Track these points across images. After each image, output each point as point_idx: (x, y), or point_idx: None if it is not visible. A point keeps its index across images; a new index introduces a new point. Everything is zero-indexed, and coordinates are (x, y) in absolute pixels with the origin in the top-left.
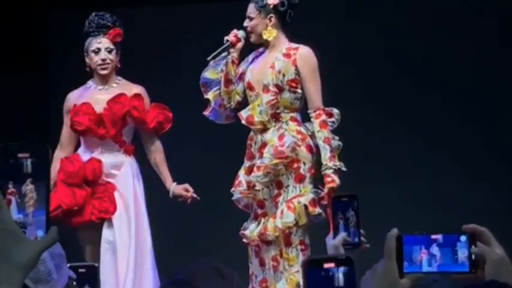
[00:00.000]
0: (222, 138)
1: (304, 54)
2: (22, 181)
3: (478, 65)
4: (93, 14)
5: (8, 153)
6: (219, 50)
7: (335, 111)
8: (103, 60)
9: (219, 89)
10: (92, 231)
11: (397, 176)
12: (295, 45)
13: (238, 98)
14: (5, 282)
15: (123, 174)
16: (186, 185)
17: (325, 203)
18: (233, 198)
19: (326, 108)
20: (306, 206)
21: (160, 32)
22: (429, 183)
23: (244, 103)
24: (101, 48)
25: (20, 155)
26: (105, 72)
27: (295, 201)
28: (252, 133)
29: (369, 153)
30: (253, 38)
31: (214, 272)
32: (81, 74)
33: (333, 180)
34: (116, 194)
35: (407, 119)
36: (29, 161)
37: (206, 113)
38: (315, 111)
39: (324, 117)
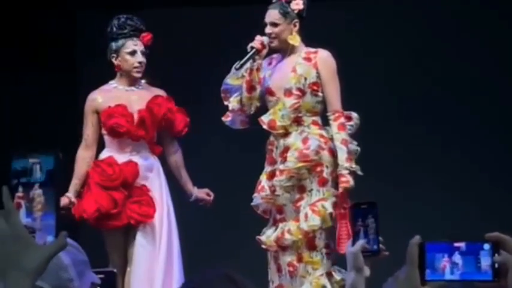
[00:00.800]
0: (240, 143)
1: (324, 57)
2: (31, 185)
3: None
4: (123, 16)
5: (19, 157)
6: (247, 57)
7: (354, 115)
8: (139, 63)
9: (240, 95)
10: (121, 236)
11: (418, 181)
12: (313, 49)
13: (257, 103)
14: (14, 287)
15: (155, 176)
16: (207, 190)
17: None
18: (253, 203)
19: (345, 112)
20: (330, 213)
21: (180, 35)
22: (450, 190)
23: (261, 108)
24: (137, 51)
25: (30, 160)
26: (139, 74)
27: (319, 204)
28: (272, 138)
29: (389, 158)
30: (275, 44)
31: (227, 279)
32: (107, 75)
33: (347, 180)
34: (151, 196)
35: (427, 124)
36: (38, 166)
37: (225, 119)
38: (333, 114)
39: (342, 119)
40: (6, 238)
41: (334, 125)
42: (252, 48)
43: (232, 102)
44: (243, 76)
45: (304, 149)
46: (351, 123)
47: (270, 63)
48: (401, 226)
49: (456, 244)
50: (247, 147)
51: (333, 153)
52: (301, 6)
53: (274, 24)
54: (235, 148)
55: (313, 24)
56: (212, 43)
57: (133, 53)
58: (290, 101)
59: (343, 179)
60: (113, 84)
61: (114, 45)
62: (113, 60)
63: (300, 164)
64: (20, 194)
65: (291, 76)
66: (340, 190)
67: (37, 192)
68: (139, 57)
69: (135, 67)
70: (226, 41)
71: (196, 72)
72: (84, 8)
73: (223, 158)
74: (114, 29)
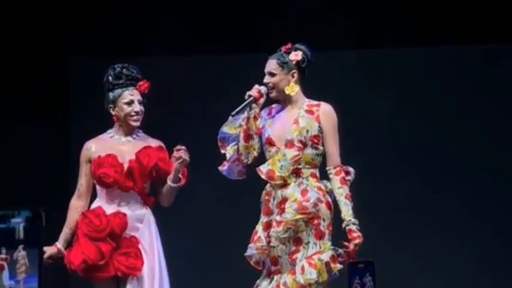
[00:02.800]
0: (234, 193)
1: (327, 111)
2: (14, 247)
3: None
4: (118, 65)
5: (2, 218)
6: (243, 105)
7: (351, 169)
8: (136, 112)
9: (236, 144)
10: (111, 287)
11: (415, 231)
12: (315, 101)
13: (255, 153)
14: None
15: (145, 227)
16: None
17: (342, 260)
18: (246, 254)
19: (343, 166)
20: (327, 263)
21: (174, 83)
22: (449, 239)
23: (258, 158)
24: (134, 100)
25: (13, 220)
26: (137, 124)
27: (316, 257)
28: (269, 188)
29: (388, 212)
30: (273, 94)
31: None
32: (101, 122)
33: (358, 236)
34: (140, 248)
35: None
36: (21, 226)
37: (222, 168)
38: (334, 168)
39: (343, 174)
40: None
41: (336, 180)
42: (250, 96)
43: (229, 151)
44: (240, 125)
45: (304, 200)
46: (349, 177)
47: (269, 113)
48: (400, 281)
49: None
50: (242, 196)
51: (330, 206)
52: (299, 57)
53: (272, 74)
54: (228, 197)
55: (312, 74)
56: (210, 90)
57: (130, 103)
58: (291, 153)
59: (354, 234)
60: (110, 133)
61: (111, 95)
62: (110, 110)
63: (299, 216)
64: (3, 255)
65: (294, 128)
66: (352, 247)
67: (21, 254)
68: (137, 107)
69: (131, 116)
70: (224, 89)
71: (192, 119)
72: (76, 56)
73: (216, 207)
74: (110, 79)
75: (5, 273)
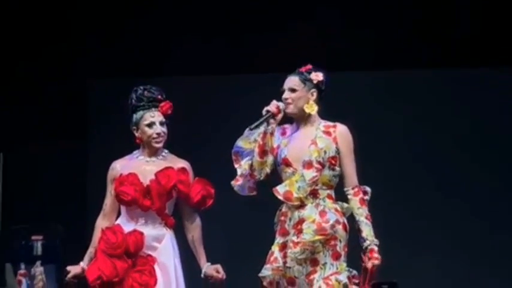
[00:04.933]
0: (246, 211)
1: (344, 132)
2: (33, 263)
3: None
4: (140, 87)
5: (22, 235)
6: (261, 120)
7: (368, 189)
8: (158, 134)
9: (250, 159)
10: None
11: (435, 248)
12: (331, 122)
13: (267, 170)
14: None
15: (164, 247)
16: (218, 266)
17: (356, 281)
18: (260, 274)
19: (361, 186)
20: (345, 285)
21: (193, 102)
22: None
23: (270, 175)
24: (155, 122)
25: (33, 237)
26: (159, 145)
27: (333, 278)
28: (284, 208)
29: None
30: (290, 110)
31: None
32: (119, 143)
33: (378, 257)
34: (156, 267)
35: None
36: (39, 243)
37: (235, 183)
38: (353, 189)
39: (361, 194)
40: None
41: (355, 200)
42: (268, 111)
43: (244, 166)
44: (255, 140)
45: (323, 222)
46: (367, 197)
47: (283, 133)
48: None
49: None
50: (254, 214)
51: (346, 228)
52: (320, 78)
53: (293, 90)
54: (240, 214)
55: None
56: (225, 110)
57: (151, 124)
58: (310, 174)
59: (374, 255)
60: (135, 154)
61: (134, 117)
62: (134, 132)
63: (317, 237)
64: (22, 271)
65: (312, 149)
66: (370, 265)
67: (38, 269)
68: (158, 129)
69: (153, 138)
70: (239, 108)
71: (208, 137)
72: (94, 77)
73: (230, 224)
74: (133, 102)
75: None
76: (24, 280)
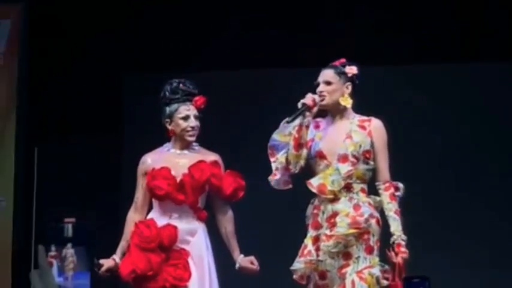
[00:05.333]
0: (280, 206)
1: (379, 126)
2: (64, 244)
3: None
4: (175, 80)
5: (53, 217)
6: (297, 113)
7: (400, 185)
8: (192, 127)
9: (286, 152)
10: None
11: (465, 247)
12: (365, 117)
13: (302, 163)
14: None
15: (197, 241)
16: (252, 258)
17: (387, 276)
18: (293, 267)
19: (393, 182)
20: (378, 278)
21: (228, 97)
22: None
23: (304, 169)
24: (190, 115)
25: (65, 219)
26: (192, 139)
27: (366, 272)
28: (317, 202)
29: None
30: (326, 102)
31: None
32: (154, 137)
33: (406, 251)
34: (189, 260)
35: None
36: (70, 226)
37: (273, 177)
38: (384, 184)
39: (392, 189)
40: None
41: (385, 195)
42: (304, 104)
43: (280, 159)
44: (290, 134)
45: (358, 215)
46: (398, 193)
47: (317, 126)
48: None
49: None
50: (287, 209)
51: (379, 222)
52: (355, 71)
53: (328, 83)
54: (275, 209)
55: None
56: (257, 104)
57: (186, 118)
58: (345, 168)
59: (402, 249)
60: (166, 147)
61: (167, 110)
62: (167, 125)
63: (351, 231)
64: (52, 253)
65: (348, 143)
66: (399, 260)
67: (69, 251)
68: (192, 122)
69: (187, 131)
70: (272, 103)
71: (244, 132)
72: (130, 71)
73: (264, 219)
74: (167, 94)
75: (54, 269)
76: (55, 262)
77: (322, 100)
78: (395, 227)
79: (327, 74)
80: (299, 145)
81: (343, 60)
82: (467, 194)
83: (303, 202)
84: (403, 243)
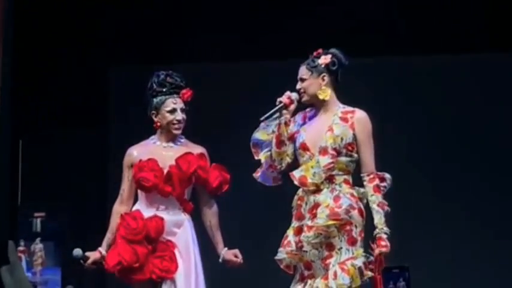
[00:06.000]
0: (266, 198)
1: (362, 118)
2: (33, 239)
3: None
4: (163, 73)
5: (24, 211)
6: (272, 111)
7: (387, 176)
8: (178, 120)
9: (269, 150)
10: None
11: (454, 236)
12: (350, 108)
13: (288, 159)
14: None
15: (183, 232)
16: (236, 251)
17: (372, 267)
18: (276, 257)
19: (379, 173)
20: (360, 269)
21: (210, 90)
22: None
23: (292, 164)
24: (176, 109)
25: (35, 214)
26: (178, 132)
27: (349, 263)
28: (301, 193)
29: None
30: (305, 98)
31: None
32: (140, 130)
33: (386, 245)
34: (176, 252)
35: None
36: (38, 220)
37: (256, 174)
38: (368, 175)
39: (377, 181)
40: None
41: (369, 187)
42: (280, 102)
43: (262, 157)
44: (273, 132)
45: (336, 207)
46: (384, 184)
47: (303, 118)
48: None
49: None
50: (275, 201)
51: (362, 213)
52: (328, 60)
53: (302, 80)
54: (261, 201)
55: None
56: (248, 96)
57: (172, 111)
58: (325, 160)
59: (382, 242)
60: (152, 139)
61: (154, 102)
62: (153, 117)
63: (330, 222)
64: (21, 248)
65: (328, 136)
66: (377, 252)
67: (38, 246)
68: (179, 115)
69: (173, 124)
70: (260, 96)
71: (228, 125)
72: (115, 64)
73: (250, 211)
74: (154, 86)
75: (23, 264)
76: (23, 257)
77: (301, 98)
78: (378, 219)
79: (300, 70)
80: (280, 142)
81: (319, 50)
82: (449, 184)
83: (290, 193)
84: (384, 236)
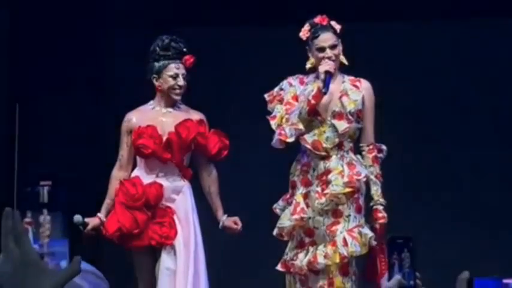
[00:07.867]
0: (268, 161)
1: (369, 88)
2: (40, 211)
3: None
4: (167, 37)
5: (30, 181)
6: (327, 81)
7: (383, 147)
8: (179, 86)
9: (297, 114)
10: (148, 256)
11: (451, 210)
12: (353, 77)
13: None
14: None
15: (182, 199)
16: (236, 218)
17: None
18: (281, 225)
19: (376, 144)
20: (369, 238)
21: (211, 55)
22: (495, 225)
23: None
24: (178, 74)
25: (41, 183)
26: (178, 97)
27: (357, 230)
28: (306, 159)
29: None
30: (336, 66)
31: None
32: (138, 95)
33: (384, 216)
34: (175, 218)
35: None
36: (45, 190)
37: (281, 137)
38: (368, 146)
39: (375, 152)
40: (17, 264)
41: (368, 158)
42: (327, 72)
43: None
44: (307, 99)
45: (355, 174)
46: (381, 155)
47: (301, 83)
48: (441, 260)
49: (505, 281)
50: (271, 168)
51: (368, 182)
52: (339, 26)
53: (334, 46)
54: (262, 167)
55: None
56: (247, 63)
57: (175, 76)
58: (342, 125)
59: (379, 214)
60: (151, 105)
61: (156, 65)
62: (154, 81)
63: (348, 190)
64: (28, 219)
65: (346, 101)
66: (378, 225)
67: (45, 218)
68: (181, 81)
69: (174, 89)
70: (265, 61)
71: (229, 91)
72: (121, 27)
73: (250, 183)
74: (158, 50)
75: (29, 236)
76: (30, 228)
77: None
78: (375, 191)
79: (329, 38)
80: (314, 111)
81: (325, 17)
82: (451, 154)
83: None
84: (380, 207)
